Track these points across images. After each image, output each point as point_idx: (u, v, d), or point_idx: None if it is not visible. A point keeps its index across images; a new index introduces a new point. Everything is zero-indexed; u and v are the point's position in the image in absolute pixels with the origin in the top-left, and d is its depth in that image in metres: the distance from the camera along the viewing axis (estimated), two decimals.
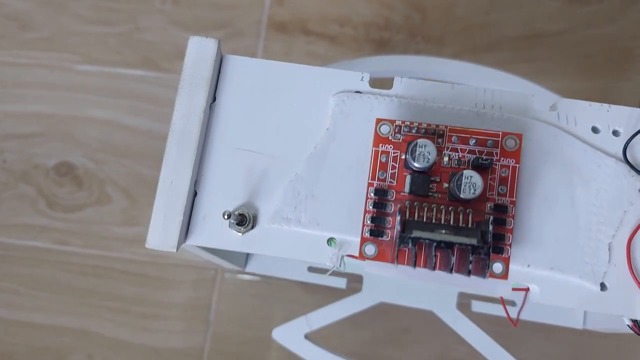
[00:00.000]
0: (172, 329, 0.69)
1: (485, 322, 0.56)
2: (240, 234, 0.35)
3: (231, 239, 0.35)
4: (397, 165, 0.34)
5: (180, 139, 0.36)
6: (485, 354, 0.52)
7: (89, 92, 0.76)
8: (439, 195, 0.34)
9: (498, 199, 0.34)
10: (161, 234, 0.35)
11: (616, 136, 0.37)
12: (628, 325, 0.39)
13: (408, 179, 0.34)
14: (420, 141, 0.32)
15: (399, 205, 0.33)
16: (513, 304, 0.55)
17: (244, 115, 0.37)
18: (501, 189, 0.34)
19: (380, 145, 0.35)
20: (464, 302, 0.56)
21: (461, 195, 0.32)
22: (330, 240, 0.35)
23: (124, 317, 0.69)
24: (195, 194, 0.36)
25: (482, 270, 0.31)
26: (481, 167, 0.34)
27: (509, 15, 0.74)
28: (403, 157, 0.34)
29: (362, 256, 0.34)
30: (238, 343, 0.68)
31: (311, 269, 0.56)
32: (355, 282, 0.58)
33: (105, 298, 0.70)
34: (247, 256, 0.56)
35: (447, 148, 0.35)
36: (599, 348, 0.64)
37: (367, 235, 0.34)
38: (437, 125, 0.35)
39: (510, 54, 0.73)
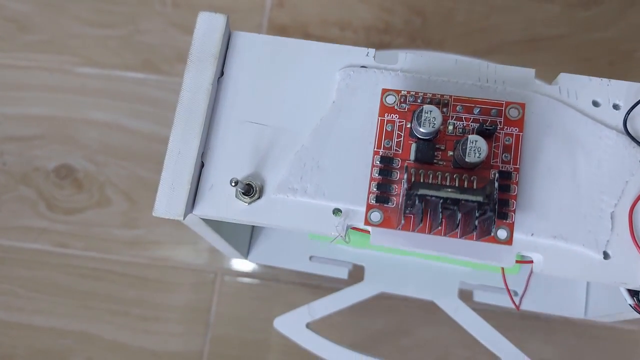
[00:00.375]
0: (172, 332, 0.69)
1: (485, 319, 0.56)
2: (246, 204, 0.36)
3: (237, 210, 0.36)
4: (402, 134, 0.35)
5: (188, 111, 0.37)
6: (487, 344, 0.53)
7: (89, 94, 0.77)
8: (444, 163, 0.35)
9: (502, 166, 0.35)
10: (168, 202, 0.35)
11: (616, 110, 0.38)
12: (630, 305, 0.40)
13: (413, 146, 0.35)
14: (426, 107, 0.33)
15: (405, 164, 0.34)
16: (515, 294, 0.55)
17: (251, 90, 0.38)
18: (505, 156, 0.35)
19: (386, 114, 0.36)
20: (465, 290, 0.57)
21: (466, 159, 0.33)
22: (335, 211, 0.36)
23: (124, 319, 0.70)
24: (202, 165, 0.37)
25: (488, 228, 0.32)
26: (485, 134, 0.35)
27: (509, 20, 0.76)
28: (408, 126, 0.35)
29: (367, 222, 0.35)
30: (238, 346, 0.68)
31: (313, 259, 0.57)
32: (357, 273, 0.59)
33: (105, 300, 0.70)
34: (250, 244, 0.57)
35: (452, 117, 0.36)
36: (599, 351, 0.65)
37: (372, 202, 0.35)
38: (442, 95, 0.36)
39: (510, 57, 0.75)
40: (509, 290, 0.51)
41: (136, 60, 0.78)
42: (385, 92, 0.36)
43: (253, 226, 0.56)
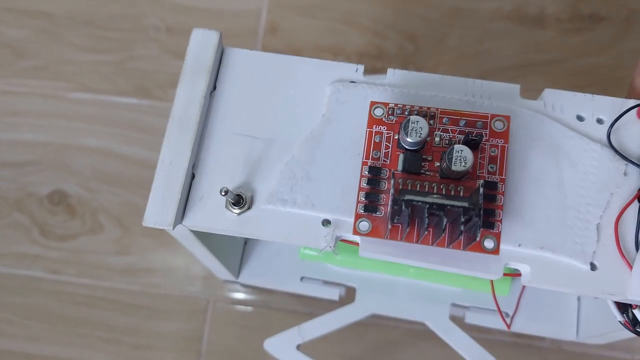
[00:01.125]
0: None
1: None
2: (236, 215, 0.37)
3: (227, 220, 0.37)
4: (390, 145, 0.37)
5: (181, 122, 0.38)
6: None
7: (82, 120, 0.79)
8: (431, 174, 0.36)
9: (488, 177, 0.36)
10: (159, 212, 0.37)
11: (600, 124, 0.39)
12: (620, 322, 0.41)
13: (401, 157, 0.36)
14: (412, 117, 0.35)
15: (392, 172, 0.36)
16: (506, 315, 0.56)
17: (243, 103, 0.40)
18: (491, 167, 0.37)
19: (374, 126, 0.37)
20: (457, 315, 0.58)
21: (452, 168, 0.34)
22: (325, 222, 0.37)
23: (116, 347, 0.71)
24: (193, 176, 0.38)
25: (474, 235, 0.33)
26: (471, 144, 0.36)
27: (502, 45, 0.77)
28: (396, 137, 0.37)
29: (356, 232, 0.36)
30: None
31: (304, 279, 0.58)
32: (348, 296, 0.60)
33: (97, 328, 0.71)
34: (241, 264, 0.58)
35: (438, 129, 0.37)
36: None
37: (361, 211, 0.36)
38: (429, 108, 0.37)
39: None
40: (499, 308, 0.52)
41: (129, 86, 0.80)
42: (373, 104, 0.38)
43: (244, 246, 0.58)
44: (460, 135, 0.37)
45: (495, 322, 0.56)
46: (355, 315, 0.55)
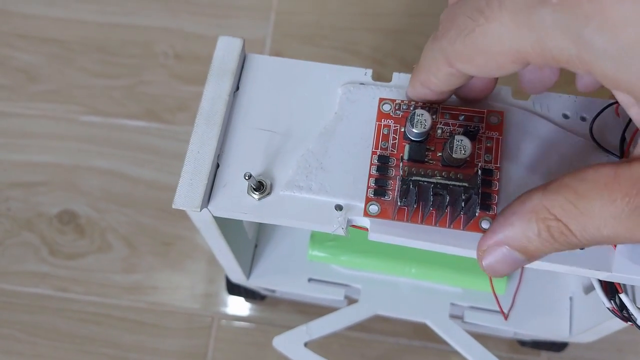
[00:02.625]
0: None
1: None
2: (256, 199, 0.43)
3: (248, 205, 0.43)
4: (397, 137, 0.43)
5: (208, 117, 0.44)
6: None
7: (92, 142, 0.84)
8: (434, 162, 0.42)
9: (485, 165, 0.42)
10: (187, 195, 0.42)
11: (583, 121, 0.45)
12: (608, 309, 0.46)
13: (407, 147, 0.42)
14: (417, 110, 0.41)
15: (401, 155, 0.41)
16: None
17: (263, 102, 0.45)
18: (487, 156, 0.42)
19: (383, 120, 0.43)
20: (456, 315, 0.63)
21: (453, 155, 0.40)
22: (337, 207, 0.43)
23: None
24: (218, 166, 0.44)
25: (473, 212, 0.39)
26: (470, 135, 0.42)
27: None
28: (402, 129, 0.43)
29: (366, 214, 0.41)
30: None
31: (311, 281, 0.62)
32: (353, 296, 0.64)
33: (103, 345, 0.75)
34: (251, 266, 0.62)
35: (440, 123, 0.43)
36: None
37: (371, 195, 0.42)
38: (431, 104, 0.43)
39: None
40: (496, 297, 0.58)
41: (139, 109, 0.85)
42: (382, 100, 0.44)
43: (254, 249, 0.62)
44: (460, 128, 0.43)
45: (493, 321, 0.61)
46: (360, 315, 0.60)
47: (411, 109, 0.43)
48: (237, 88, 0.46)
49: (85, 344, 0.76)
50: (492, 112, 0.43)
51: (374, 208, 0.41)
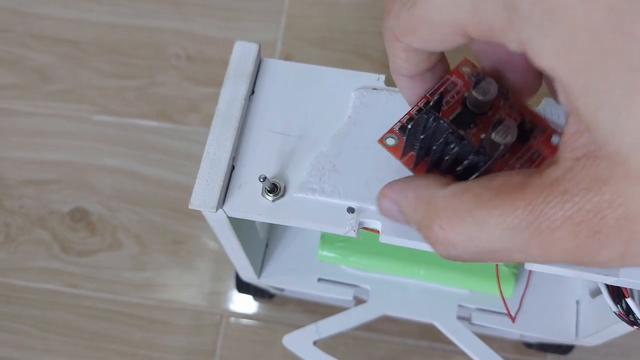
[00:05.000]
0: None
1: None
2: (270, 201, 0.43)
3: (262, 207, 0.43)
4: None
5: (224, 119, 0.44)
6: None
7: (104, 141, 0.85)
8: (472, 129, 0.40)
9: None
10: (203, 196, 0.42)
11: None
12: (615, 313, 0.46)
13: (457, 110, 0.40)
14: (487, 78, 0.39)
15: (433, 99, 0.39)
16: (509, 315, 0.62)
17: (278, 105, 0.46)
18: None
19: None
20: (463, 317, 0.63)
21: (494, 139, 0.37)
22: (349, 209, 0.43)
23: None
24: (233, 168, 0.44)
25: (468, 175, 0.37)
26: (522, 131, 0.40)
27: None
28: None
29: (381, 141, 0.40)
30: None
31: (321, 281, 0.63)
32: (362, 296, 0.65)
33: (113, 341, 0.76)
34: (262, 265, 0.63)
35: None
36: None
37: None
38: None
39: None
40: (503, 299, 0.58)
41: (151, 110, 0.86)
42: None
43: (265, 249, 0.63)
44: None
45: (500, 323, 0.61)
46: (368, 315, 0.60)
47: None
48: (253, 92, 0.46)
49: (95, 340, 0.76)
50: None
51: (390, 140, 0.40)
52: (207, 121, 0.84)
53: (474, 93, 0.37)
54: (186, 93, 0.86)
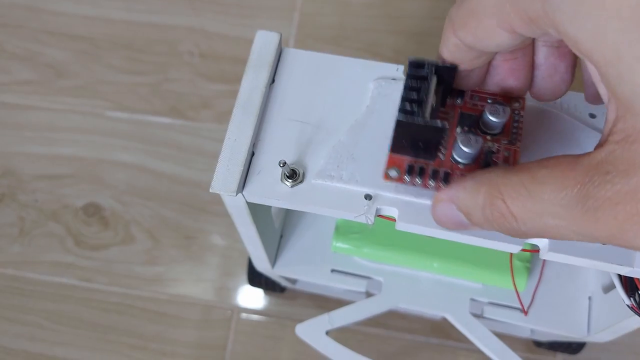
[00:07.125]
0: None
1: None
2: (289, 187, 0.43)
3: (281, 192, 0.43)
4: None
5: (245, 107, 0.45)
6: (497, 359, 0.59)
7: (118, 137, 0.85)
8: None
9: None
10: (224, 180, 0.43)
11: None
12: (628, 306, 0.46)
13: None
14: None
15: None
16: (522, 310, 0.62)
17: (297, 94, 0.46)
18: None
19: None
20: (475, 311, 0.63)
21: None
22: (366, 196, 0.43)
23: (142, 354, 0.75)
24: (253, 154, 0.45)
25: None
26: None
27: None
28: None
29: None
30: None
31: (334, 272, 0.63)
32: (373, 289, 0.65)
33: (125, 335, 0.76)
34: (276, 255, 0.63)
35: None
36: None
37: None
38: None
39: None
40: (517, 292, 0.58)
41: (164, 106, 0.86)
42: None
43: (280, 239, 0.63)
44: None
45: (512, 317, 0.61)
46: (381, 306, 0.60)
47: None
48: (273, 80, 0.47)
49: (107, 333, 0.76)
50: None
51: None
52: (219, 118, 0.84)
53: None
54: (199, 90, 0.86)
